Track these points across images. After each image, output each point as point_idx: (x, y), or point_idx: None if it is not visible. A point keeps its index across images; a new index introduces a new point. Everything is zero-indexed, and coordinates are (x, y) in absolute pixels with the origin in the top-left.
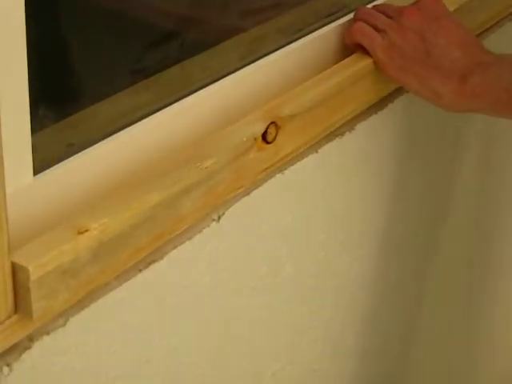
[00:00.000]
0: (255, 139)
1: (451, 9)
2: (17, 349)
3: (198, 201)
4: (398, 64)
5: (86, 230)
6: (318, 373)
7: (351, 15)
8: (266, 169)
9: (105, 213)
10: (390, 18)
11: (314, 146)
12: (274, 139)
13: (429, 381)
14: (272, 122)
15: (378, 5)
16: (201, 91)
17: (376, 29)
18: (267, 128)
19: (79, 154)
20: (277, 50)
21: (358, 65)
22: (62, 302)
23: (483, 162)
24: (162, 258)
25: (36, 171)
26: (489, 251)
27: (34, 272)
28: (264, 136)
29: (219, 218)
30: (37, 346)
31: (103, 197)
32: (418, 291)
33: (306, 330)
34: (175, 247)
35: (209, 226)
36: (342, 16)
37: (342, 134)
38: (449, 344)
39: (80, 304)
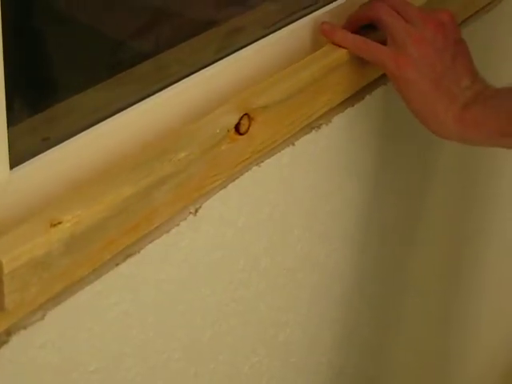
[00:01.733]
0: (228, 131)
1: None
2: None
3: (171, 193)
4: (408, 77)
5: (59, 223)
6: (295, 365)
7: (327, 7)
8: (243, 161)
9: (77, 205)
10: (408, 19)
11: (290, 139)
12: (247, 131)
13: (406, 373)
14: (245, 114)
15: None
16: (176, 84)
17: (392, 31)
18: (240, 119)
19: (55, 147)
20: (252, 42)
21: (331, 56)
22: (35, 294)
23: (459, 157)
24: (138, 251)
25: (12, 165)
26: (464, 245)
27: (8, 265)
28: (237, 127)
29: (196, 210)
30: (14, 341)
31: (76, 189)
32: (396, 283)
33: (282, 323)
34: (152, 241)
35: (186, 219)
36: (317, 9)
37: (319, 127)
38: (427, 335)
39: (57, 298)
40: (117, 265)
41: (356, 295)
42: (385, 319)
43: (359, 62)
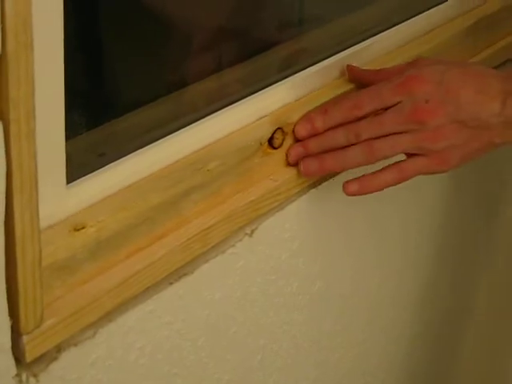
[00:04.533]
0: (261, 144)
1: None
2: (44, 359)
3: (200, 203)
4: (454, 164)
5: (83, 228)
6: None
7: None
8: (301, 184)
9: (102, 211)
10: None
11: None
12: (281, 145)
13: None
14: (278, 128)
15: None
16: (237, 103)
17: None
18: (273, 133)
19: (111, 164)
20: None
21: None
22: (56, 298)
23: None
24: (192, 271)
25: (68, 180)
26: None
27: None
28: (270, 141)
29: (252, 232)
30: (64, 357)
31: (103, 195)
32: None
33: (334, 348)
34: (207, 261)
35: (241, 240)
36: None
37: None
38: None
39: (109, 316)
40: (171, 284)
41: (408, 323)
42: (446, 351)
43: None
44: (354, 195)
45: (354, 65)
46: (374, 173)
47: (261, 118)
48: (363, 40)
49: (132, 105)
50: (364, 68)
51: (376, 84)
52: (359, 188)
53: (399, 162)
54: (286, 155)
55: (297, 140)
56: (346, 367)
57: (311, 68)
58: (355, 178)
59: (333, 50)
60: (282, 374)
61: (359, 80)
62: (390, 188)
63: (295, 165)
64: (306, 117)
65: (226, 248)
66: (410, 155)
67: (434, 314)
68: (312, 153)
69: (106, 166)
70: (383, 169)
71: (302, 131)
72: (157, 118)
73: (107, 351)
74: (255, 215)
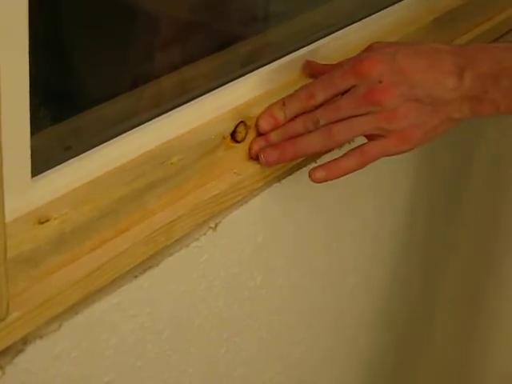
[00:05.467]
0: (224, 137)
1: None
2: (10, 352)
3: (164, 196)
4: (416, 142)
5: (47, 220)
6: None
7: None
8: (265, 177)
9: (65, 204)
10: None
11: None
12: (244, 138)
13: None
14: (241, 122)
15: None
16: (200, 98)
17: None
18: (236, 127)
19: (77, 157)
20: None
21: None
22: (21, 291)
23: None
24: (157, 264)
25: (33, 174)
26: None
27: None
28: (233, 135)
29: (216, 225)
30: (30, 350)
31: (67, 189)
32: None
33: (297, 341)
34: (171, 254)
35: (205, 233)
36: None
37: None
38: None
39: (74, 308)
40: (135, 277)
41: (373, 316)
42: (403, 340)
43: None
44: (321, 182)
45: (313, 60)
46: (337, 158)
47: (224, 112)
48: (327, 35)
49: (97, 99)
50: (323, 63)
51: (329, 71)
52: (326, 174)
53: (361, 145)
54: (249, 149)
55: (259, 134)
56: (310, 361)
57: (274, 63)
58: (320, 165)
59: (297, 45)
60: (246, 368)
61: (318, 75)
62: (354, 184)
63: (258, 158)
64: (267, 111)
65: (190, 241)
66: (370, 138)
67: (402, 305)
68: (273, 143)
69: (71, 160)
70: (346, 154)
71: (264, 125)
72: (121, 112)
73: (72, 343)
74: (219, 209)
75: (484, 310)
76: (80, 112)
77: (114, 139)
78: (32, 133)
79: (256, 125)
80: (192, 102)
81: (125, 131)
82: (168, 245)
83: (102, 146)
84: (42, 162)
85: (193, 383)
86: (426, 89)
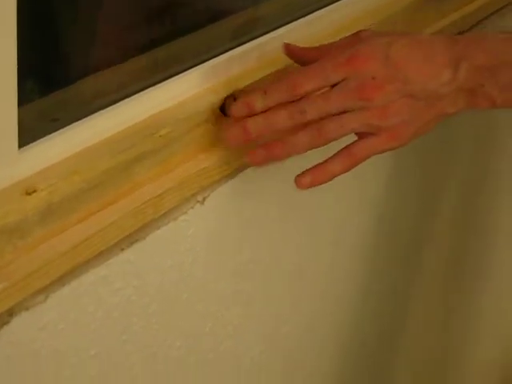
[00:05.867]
0: (213, 110)
1: None
2: None
3: (152, 169)
4: (407, 139)
5: (34, 191)
6: (296, 360)
7: None
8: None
9: (54, 175)
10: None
11: None
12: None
13: (409, 375)
14: (230, 95)
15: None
16: (190, 70)
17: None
18: (225, 100)
19: (64, 128)
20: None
21: None
22: (8, 262)
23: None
24: (144, 237)
25: (20, 145)
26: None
27: None
28: (222, 108)
29: (204, 199)
30: (16, 322)
31: (55, 160)
32: (401, 283)
33: (286, 318)
34: (159, 227)
35: (193, 207)
36: None
37: None
38: (429, 338)
39: (61, 280)
40: (122, 249)
41: (360, 295)
42: (386, 320)
43: None
44: (308, 188)
45: (291, 43)
46: (324, 162)
47: (213, 85)
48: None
49: (86, 71)
50: (302, 46)
51: (319, 61)
52: (312, 180)
53: (349, 145)
54: (226, 139)
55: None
56: (296, 338)
57: (264, 36)
58: (307, 170)
59: (287, 18)
60: (232, 342)
61: (298, 58)
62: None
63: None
64: (245, 98)
65: (177, 215)
66: (360, 136)
67: (382, 288)
68: (252, 136)
69: (59, 131)
70: (333, 156)
71: (238, 113)
72: (110, 83)
73: (59, 315)
74: (207, 183)
75: (462, 298)
76: (68, 84)
77: (103, 111)
78: (19, 104)
79: (231, 111)
80: (182, 75)
81: (113, 103)
82: (155, 218)
83: (90, 117)
84: (29, 134)
85: (179, 357)
86: (420, 83)
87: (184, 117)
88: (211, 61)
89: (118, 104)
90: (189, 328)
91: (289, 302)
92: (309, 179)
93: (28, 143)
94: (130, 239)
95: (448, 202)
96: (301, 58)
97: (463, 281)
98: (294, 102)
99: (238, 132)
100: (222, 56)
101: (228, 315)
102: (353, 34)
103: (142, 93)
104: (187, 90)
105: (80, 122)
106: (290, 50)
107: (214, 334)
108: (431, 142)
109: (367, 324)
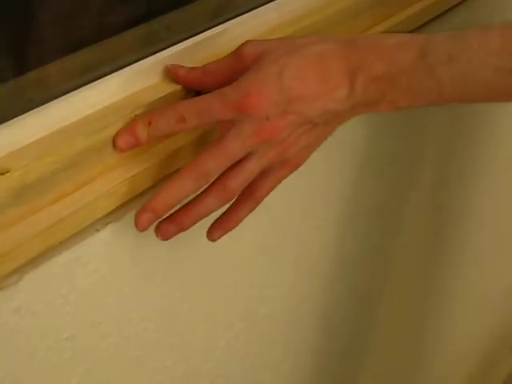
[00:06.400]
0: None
1: None
2: None
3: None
4: (304, 162)
5: (7, 171)
6: (273, 342)
7: None
8: None
9: (27, 155)
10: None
11: None
12: None
13: (386, 356)
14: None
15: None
16: (165, 51)
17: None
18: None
19: (38, 108)
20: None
21: None
22: None
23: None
24: (119, 219)
25: None
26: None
27: None
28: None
29: None
30: None
31: (29, 140)
32: (378, 269)
33: (263, 299)
34: (134, 208)
35: None
36: None
37: None
38: (404, 321)
39: (34, 262)
40: (97, 230)
41: (338, 278)
42: (364, 305)
43: None
44: (220, 238)
45: (177, 65)
46: (230, 210)
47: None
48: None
49: (61, 50)
50: (190, 66)
51: (205, 94)
52: (223, 231)
53: (250, 187)
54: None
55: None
56: (274, 319)
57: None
58: (216, 224)
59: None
60: (209, 324)
61: (184, 84)
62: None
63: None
64: (130, 126)
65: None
66: (261, 172)
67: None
68: (162, 214)
69: (32, 111)
70: (238, 202)
71: (122, 144)
72: (85, 63)
73: (32, 297)
74: (184, 163)
75: (437, 289)
76: (43, 64)
77: (77, 90)
78: None
79: (114, 141)
80: (157, 55)
81: (88, 83)
82: (130, 198)
83: (64, 97)
84: (2, 114)
85: (154, 339)
86: (316, 110)
87: (159, 97)
88: (188, 40)
89: (93, 83)
90: (164, 309)
91: (267, 282)
92: (220, 232)
93: (1, 123)
94: (104, 220)
95: (421, 189)
96: (186, 83)
97: (437, 268)
98: (195, 161)
99: (147, 216)
100: (199, 35)
101: (204, 297)
102: (236, 53)
103: (117, 72)
104: (163, 71)
105: (54, 101)
106: (174, 73)
107: (190, 316)
108: (400, 130)
109: (347, 303)
